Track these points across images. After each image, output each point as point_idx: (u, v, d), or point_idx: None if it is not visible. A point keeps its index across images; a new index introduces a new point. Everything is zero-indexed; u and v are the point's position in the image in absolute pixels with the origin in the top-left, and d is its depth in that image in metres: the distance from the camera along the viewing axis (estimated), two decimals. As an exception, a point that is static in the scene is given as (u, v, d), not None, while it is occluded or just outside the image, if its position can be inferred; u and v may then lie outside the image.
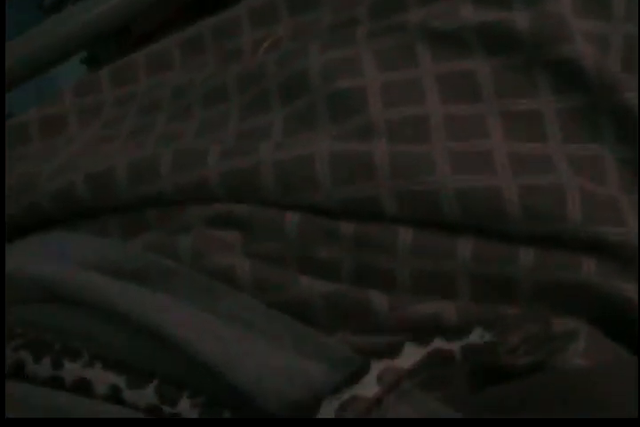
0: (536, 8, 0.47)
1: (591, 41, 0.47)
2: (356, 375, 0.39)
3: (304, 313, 0.44)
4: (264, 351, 0.41)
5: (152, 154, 0.49)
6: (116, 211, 0.49)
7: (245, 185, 0.46)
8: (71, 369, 0.41)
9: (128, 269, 0.45)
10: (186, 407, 0.39)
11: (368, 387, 0.39)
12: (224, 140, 0.49)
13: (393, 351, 0.40)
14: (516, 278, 0.43)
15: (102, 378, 0.40)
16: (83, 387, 0.40)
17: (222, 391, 0.40)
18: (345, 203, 0.45)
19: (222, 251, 0.45)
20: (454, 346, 0.41)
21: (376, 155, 0.45)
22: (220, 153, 0.47)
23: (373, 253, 0.44)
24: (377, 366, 0.40)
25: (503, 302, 0.44)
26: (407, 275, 0.44)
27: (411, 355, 0.40)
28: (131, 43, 0.95)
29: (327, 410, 0.38)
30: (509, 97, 0.47)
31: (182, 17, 0.92)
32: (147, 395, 0.39)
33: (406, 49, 0.49)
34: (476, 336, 0.41)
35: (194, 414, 0.39)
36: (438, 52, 0.48)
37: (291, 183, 0.45)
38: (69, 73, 0.96)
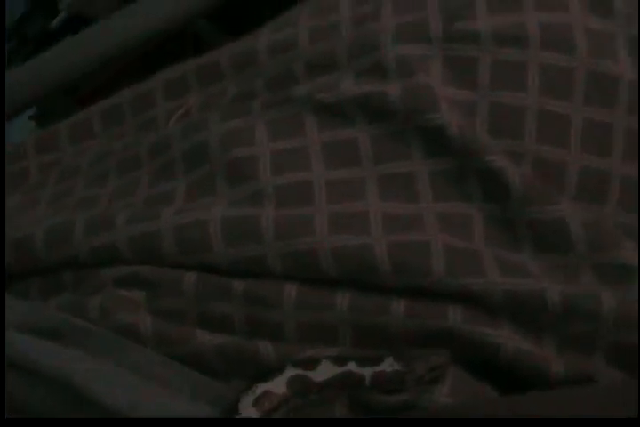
0: (408, 79, 0.52)
1: (457, 108, 0.52)
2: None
3: (201, 364, 0.49)
4: (165, 399, 0.46)
5: (67, 220, 0.54)
6: (37, 274, 0.54)
7: (149, 248, 0.51)
8: None
9: (45, 329, 0.50)
10: None
11: (279, 386, 0.44)
12: (133, 205, 0.54)
13: (310, 363, 0.46)
14: (390, 327, 0.48)
15: None
16: None
17: None
18: (235, 263, 0.50)
19: (127, 309, 0.50)
20: (366, 371, 0.46)
21: (263, 219, 0.50)
22: (128, 218, 0.52)
23: (262, 308, 0.49)
24: (290, 372, 0.45)
25: (381, 348, 0.48)
26: (293, 326, 0.49)
27: (325, 371, 0.45)
28: (78, 99, 1.01)
29: (245, 404, 0.43)
30: (386, 161, 0.52)
31: (128, 73, 0.98)
32: None
33: (295, 119, 0.54)
34: (387, 365, 0.46)
35: None
36: (323, 121, 0.53)
37: (188, 246, 0.50)
38: (19, 128, 1.01)
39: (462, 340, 0.48)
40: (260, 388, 0.45)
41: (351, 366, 0.46)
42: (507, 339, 0.48)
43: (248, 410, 0.44)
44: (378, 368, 0.46)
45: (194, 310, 0.50)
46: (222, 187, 0.53)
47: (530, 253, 0.50)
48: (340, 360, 0.46)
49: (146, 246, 0.51)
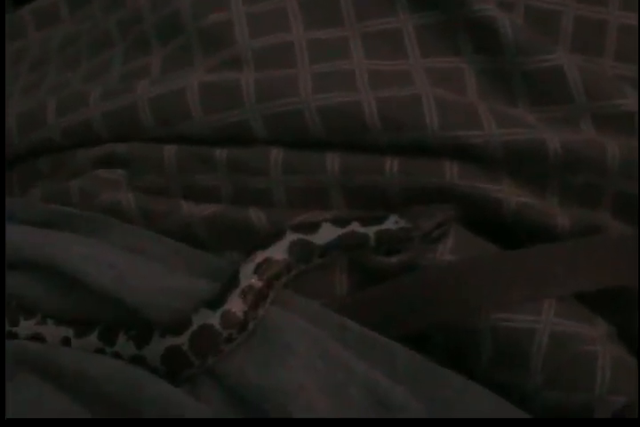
0: None
1: None
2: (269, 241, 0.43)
3: (191, 237, 0.46)
4: (157, 274, 0.43)
5: (38, 103, 0.51)
6: (15, 164, 0.52)
7: (125, 122, 0.48)
8: (26, 326, 0.44)
9: (37, 223, 0.47)
10: (121, 343, 0.42)
11: (279, 252, 0.43)
12: (107, 83, 0.51)
13: (310, 228, 0.44)
14: (385, 186, 0.46)
15: (54, 332, 0.43)
16: (38, 339, 0.43)
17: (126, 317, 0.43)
18: (217, 130, 0.47)
19: (109, 189, 0.48)
20: (369, 230, 0.44)
21: (243, 82, 0.47)
22: (101, 94, 0.49)
23: (248, 175, 0.47)
24: (291, 237, 0.43)
25: (376, 209, 0.46)
26: (282, 192, 0.46)
27: (327, 233, 0.44)
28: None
29: (245, 273, 0.42)
30: (369, 18, 0.49)
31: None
32: (91, 341, 0.42)
33: None
34: (391, 223, 0.44)
35: (130, 347, 0.41)
36: None
37: (166, 116, 0.48)
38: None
39: (462, 197, 0.46)
40: (260, 255, 0.43)
41: (354, 227, 0.44)
42: (509, 194, 0.46)
43: (249, 279, 0.42)
44: (382, 226, 0.44)
45: (177, 184, 0.47)
46: (199, 55, 0.50)
47: (527, 106, 0.48)
48: (341, 222, 0.44)
49: (122, 121, 0.48)
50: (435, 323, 0.43)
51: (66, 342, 0.43)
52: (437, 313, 0.43)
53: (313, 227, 0.44)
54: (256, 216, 0.46)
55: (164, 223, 0.46)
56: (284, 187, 0.46)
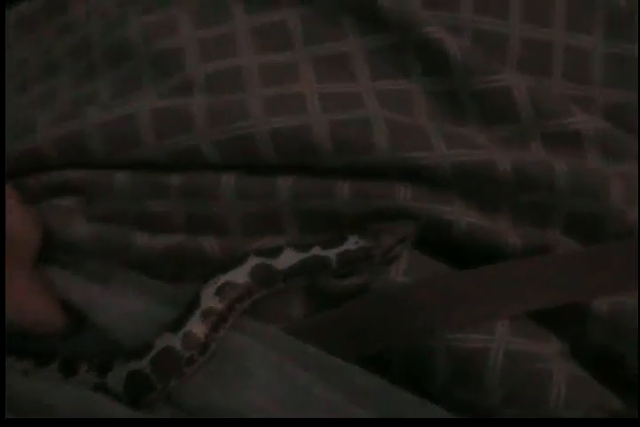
0: None
1: None
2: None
3: (148, 270, 0.46)
4: (123, 298, 0.44)
5: None
6: None
7: (75, 148, 0.48)
8: None
9: None
10: (82, 373, 0.42)
11: (240, 276, 0.43)
12: (57, 108, 0.51)
13: (272, 252, 0.44)
14: (338, 210, 0.46)
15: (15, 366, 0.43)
16: None
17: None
18: (169, 156, 0.47)
19: (63, 219, 0.47)
20: (330, 253, 0.45)
21: (194, 107, 0.47)
22: (51, 120, 0.49)
23: (201, 201, 0.46)
24: (253, 261, 0.44)
25: (331, 232, 0.46)
26: (236, 217, 0.46)
27: (288, 258, 0.44)
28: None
29: (207, 295, 0.42)
30: (319, 42, 0.49)
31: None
32: (51, 372, 0.43)
33: (220, 6, 0.51)
34: (351, 243, 0.45)
35: (92, 377, 0.42)
36: (249, 5, 0.50)
37: (117, 142, 0.47)
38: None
39: (414, 218, 0.46)
40: (222, 278, 0.43)
41: (315, 251, 0.45)
42: (459, 215, 0.46)
43: (210, 302, 0.42)
44: (342, 248, 0.45)
45: (130, 211, 0.47)
46: (149, 81, 0.49)
47: (476, 126, 0.48)
48: (303, 247, 0.45)
49: (72, 147, 0.48)
50: (390, 344, 0.44)
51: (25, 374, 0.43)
52: (392, 335, 0.44)
53: (275, 251, 0.44)
54: (209, 246, 0.46)
55: (122, 257, 0.46)
56: (236, 212, 0.46)
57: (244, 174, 0.47)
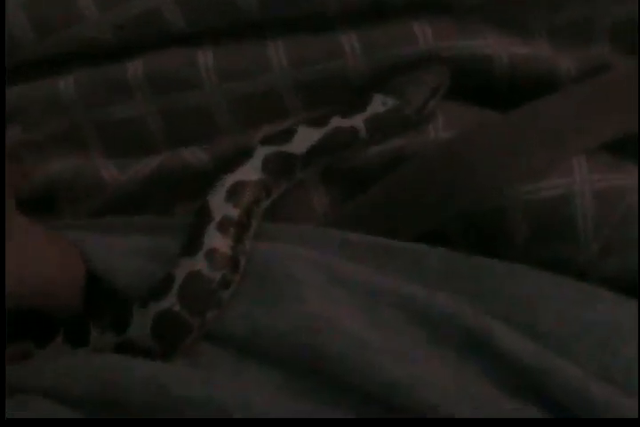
0: None
1: None
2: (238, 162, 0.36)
3: (132, 206, 0.39)
4: (114, 240, 0.36)
5: None
6: None
7: None
8: None
9: None
10: (96, 337, 0.34)
11: (251, 173, 0.35)
12: None
13: (283, 136, 0.36)
14: (347, 72, 0.38)
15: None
16: None
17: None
18: (119, 31, 0.38)
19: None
20: (355, 121, 0.37)
21: None
22: None
23: (177, 92, 0.38)
24: (262, 152, 0.36)
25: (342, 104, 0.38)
26: (223, 108, 0.38)
27: (305, 139, 0.36)
28: None
29: (216, 202, 0.35)
30: None
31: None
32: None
33: None
34: (377, 105, 0.37)
35: (108, 337, 0.34)
36: None
37: (45, 22, 0.38)
38: None
39: (444, 62, 0.38)
40: (230, 179, 0.35)
41: (336, 122, 0.37)
42: (497, 47, 0.38)
43: (222, 208, 0.34)
44: (369, 112, 0.37)
45: (88, 123, 0.38)
46: None
47: None
48: (318, 121, 0.37)
49: None
50: (450, 214, 0.36)
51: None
52: (449, 202, 0.36)
53: (287, 135, 0.37)
54: (195, 158, 0.38)
55: (94, 199, 0.39)
56: (223, 99, 0.38)
57: (223, 46, 0.38)
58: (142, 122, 0.38)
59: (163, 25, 0.38)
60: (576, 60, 0.40)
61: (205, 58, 0.38)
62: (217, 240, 0.34)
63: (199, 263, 0.33)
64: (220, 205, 0.34)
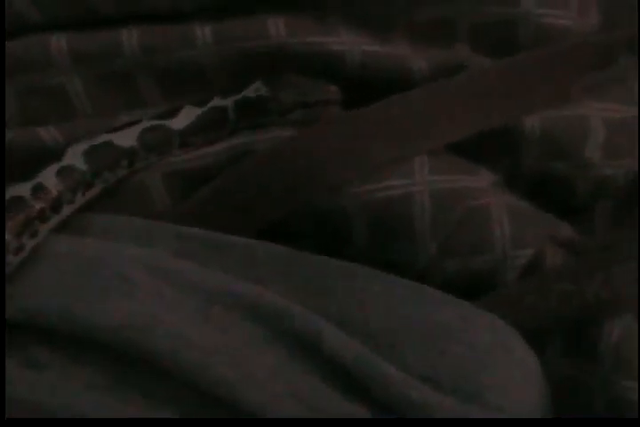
0: None
1: None
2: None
3: None
4: None
5: None
6: None
7: None
8: None
9: None
10: None
11: (126, 139, 0.36)
12: None
13: (169, 113, 0.37)
14: (200, 62, 0.38)
15: None
16: None
17: None
18: None
19: None
20: (228, 101, 0.37)
21: None
22: None
23: (31, 72, 0.38)
24: (144, 124, 0.37)
25: (201, 94, 0.38)
26: (78, 92, 0.38)
27: (187, 116, 0.37)
28: None
29: (74, 150, 0.36)
30: None
31: None
32: None
33: None
34: (251, 91, 0.38)
35: None
36: None
37: None
38: None
39: (296, 58, 0.38)
40: (103, 137, 0.36)
41: (214, 102, 0.38)
42: (350, 44, 0.38)
43: (75, 158, 0.35)
44: (241, 95, 0.38)
45: None
46: None
47: None
48: (204, 101, 0.38)
49: None
50: (293, 209, 0.36)
51: None
52: (293, 197, 0.36)
53: (173, 111, 0.37)
54: (46, 133, 0.37)
55: None
56: (78, 83, 0.38)
57: (77, 32, 0.38)
58: None
59: (18, 16, 0.38)
60: (432, 59, 0.39)
61: (59, 43, 0.37)
62: (49, 179, 0.34)
63: (25, 191, 0.34)
64: (75, 154, 0.35)
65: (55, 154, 0.36)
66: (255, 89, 0.37)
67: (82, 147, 0.36)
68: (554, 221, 0.38)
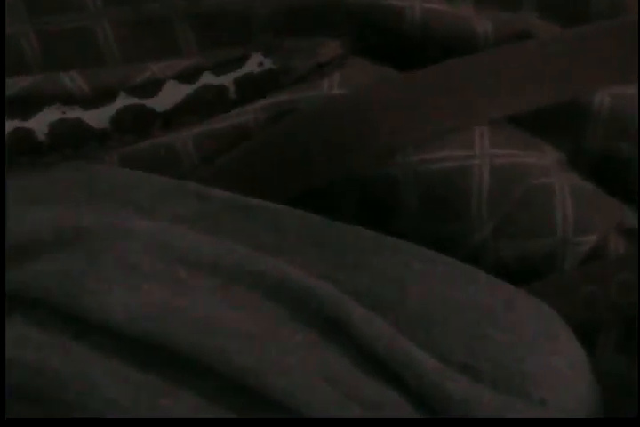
0: None
1: None
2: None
3: None
4: None
5: None
6: None
7: None
8: None
9: None
10: None
11: (99, 119, 0.33)
12: None
13: (148, 90, 0.34)
14: (247, 11, 0.35)
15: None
16: None
17: None
18: None
19: None
20: (226, 80, 0.34)
21: None
22: None
23: (56, 15, 0.34)
24: (121, 102, 0.33)
25: (238, 47, 0.35)
26: (106, 36, 0.35)
27: (171, 95, 0.33)
28: None
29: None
30: None
31: None
32: None
33: None
34: (253, 64, 0.34)
35: None
36: None
37: None
38: None
39: (353, 13, 0.35)
40: (73, 113, 0.33)
41: (206, 79, 0.34)
42: (411, 0, 0.35)
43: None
44: (242, 71, 0.34)
45: None
46: None
47: None
48: (189, 76, 0.34)
49: None
50: (337, 176, 0.33)
51: None
52: (333, 165, 0.33)
53: (153, 86, 0.34)
54: (71, 81, 0.34)
55: None
56: (108, 24, 0.34)
57: None
58: (16, 41, 0.35)
59: None
60: (498, 23, 0.36)
61: None
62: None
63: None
64: (42, 121, 0.33)
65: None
66: (258, 63, 0.34)
67: (52, 116, 0.33)
68: (619, 206, 0.35)
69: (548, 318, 0.31)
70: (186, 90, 0.33)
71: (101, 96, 0.33)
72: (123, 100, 0.33)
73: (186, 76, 0.34)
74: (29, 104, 0.34)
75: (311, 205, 0.32)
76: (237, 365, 0.27)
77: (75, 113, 0.33)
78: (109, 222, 0.30)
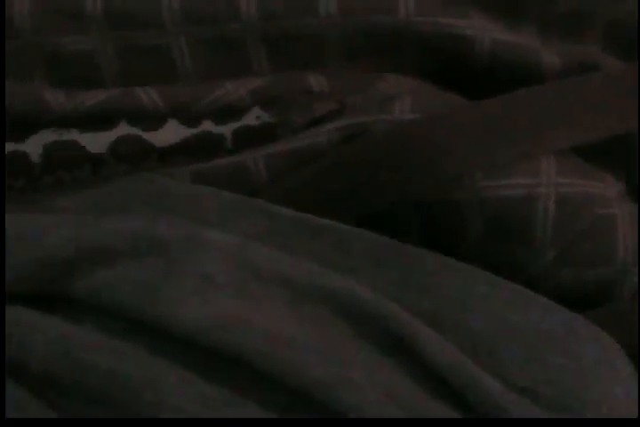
0: None
1: None
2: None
3: None
4: None
5: None
6: None
7: None
8: None
9: None
10: None
11: (98, 144, 0.34)
12: None
13: (150, 124, 0.35)
14: (319, 32, 0.35)
15: None
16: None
17: None
18: None
19: None
20: (225, 129, 0.35)
21: None
22: None
23: (135, 30, 0.35)
24: (122, 130, 0.35)
25: (309, 67, 0.36)
26: (183, 47, 0.35)
27: (170, 133, 0.35)
28: None
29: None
30: None
31: None
32: None
33: None
34: (251, 117, 0.35)
35: None
36: None
37: None
38: None
39: (421, 40, 0.35)
40: (63, 137, 0.34)
41: (206, 126, 0.35)
42: (480, 29, 0.36)
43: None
44: (240, 122, 0.35)
45: (36, 51, 0.36)
46: None
47: None
48: (191, 120, 0.35)
49: None
50: (401, 199, 0.34)
51: None
52: (403, 186, 0.33)
53: (157, 122, 0.35)
54: (147, 96, 0.35)
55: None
56: (185, 41, 0.35)
57: None
58: (94, 57, 0.36)
59: None
60: (564, 54, 0.37)
61: (171, 1, 0.35)
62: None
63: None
64: (37, 143, 0.34)
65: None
66: (256, 116, 0.35)
67: (47, 137, 0.34)
68: None
69: (607, 346, 0.31)
70: (185, 132, 0.35)
71: (101, 122, 0.34)
72: (124, 129, 0.34)
73: (187, 120, 0.35)
74: (106, 118, 0.35)
75: (376, 227, 0.33)
76: (308, 378, 0.28)
77: (71, 135, 0.34)
78: (184, 234, 0.31)
